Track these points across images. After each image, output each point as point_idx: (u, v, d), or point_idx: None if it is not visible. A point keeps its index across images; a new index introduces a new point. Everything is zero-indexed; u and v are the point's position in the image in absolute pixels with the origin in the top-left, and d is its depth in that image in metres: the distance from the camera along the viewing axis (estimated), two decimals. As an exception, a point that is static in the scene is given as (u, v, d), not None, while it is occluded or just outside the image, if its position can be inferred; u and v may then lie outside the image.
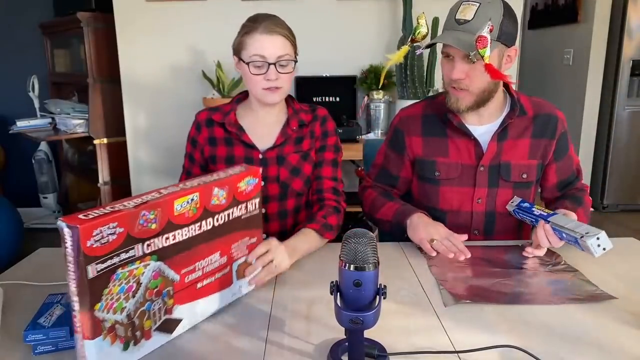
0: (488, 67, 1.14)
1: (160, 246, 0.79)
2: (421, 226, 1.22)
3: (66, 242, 0.67)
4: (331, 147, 1.37)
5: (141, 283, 0.77)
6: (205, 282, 0.89)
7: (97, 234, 0.68)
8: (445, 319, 0.89)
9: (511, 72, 2.93)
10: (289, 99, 1.37)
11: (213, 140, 1.33)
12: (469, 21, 1.15)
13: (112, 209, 0.72)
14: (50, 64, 3.40)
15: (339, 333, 0.80)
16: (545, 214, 1.16)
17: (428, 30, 1.25)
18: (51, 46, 3.37)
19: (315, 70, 2.72)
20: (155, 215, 0.77)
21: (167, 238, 0.80)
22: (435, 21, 2.61)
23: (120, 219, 0.71)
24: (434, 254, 1.17)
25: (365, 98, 2.76)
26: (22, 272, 1.10)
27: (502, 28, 1.16)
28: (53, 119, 3.08)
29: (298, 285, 1.03)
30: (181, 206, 0.81)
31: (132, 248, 0.74)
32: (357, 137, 2.58)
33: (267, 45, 1.21)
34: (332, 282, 0.73)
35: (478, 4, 1.15)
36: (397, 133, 1.39)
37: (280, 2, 2.73)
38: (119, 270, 0.73)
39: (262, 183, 1.29)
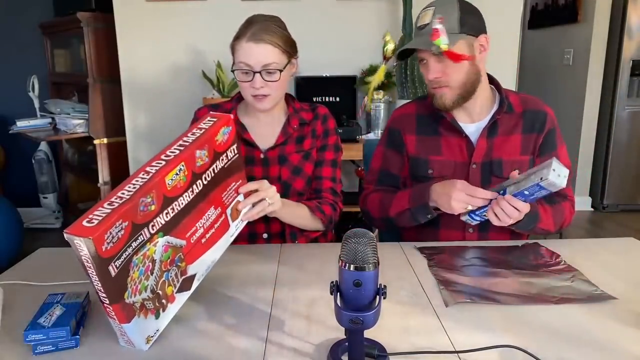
0: (447, 54, 1.19)
1: (163, 222, 0.81)
2: (442, 197, 1.17)
3: (81, 252, 0.69)
4: (331, 147, 1.37)
5: (155, 260, 0.80)
6: (207, 235, 0.93)
7: (108, 237, 0.70)
8: (445, 319, 0.89)
9: (511, 72, 2.94)
10: (289, 98, 1.37)
11: None
12: (427, 24, 1.21)
13: (110, 206, 0.73)
14: (50, 64, 3.40)
15: (339, 333, 0.80)
16: (496, 195, 1.13)
17: (395, 45, 1.29)
18: (51, 46, 3.37)
19: (315, 70, 2.72)
20: (152, 198, 0.79)
21: (167, 213, 0.82)
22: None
23: (123, 215, 0.73)
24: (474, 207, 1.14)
25: (365, 98, 2.76)
26: (22, 272, 1.10)
27: (462, 20, 1.21)
28: (53, 119, 3.08)
29: (298, 285, 1.03)
30: (172, 180, 0.83)
31: (140, 234, 0.77)
32: (357, 137, 2.58)
33: (252, 53, 1.19)
34: (332, 282, 0.72)
35: (433, 8, 1.22)
36: (394, 132, 1.39)
37: (280, 2, 2.73)
38: (134, 258, 0.76)
39: None
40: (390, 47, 1.27)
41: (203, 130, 0.93)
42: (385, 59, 1.28)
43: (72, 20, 2.85)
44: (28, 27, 3.38)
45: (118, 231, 0.72)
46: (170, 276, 0.84)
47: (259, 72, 1.20)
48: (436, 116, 1.33)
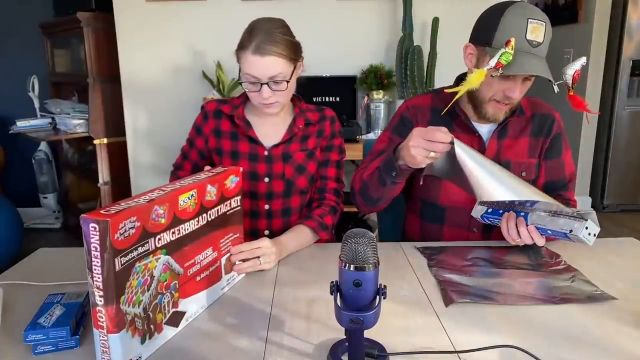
0: (573, 98, 1.12)
1: (169, 240, 0.82)
2: (404, 149, 1.11)
3: (91, 238, 0.69)
4: (337, 148, 1.38)
5: (154, 276, 0.79)
6: (202, 275, 0.93)
7: (122, 228, 0.71)
8: (445, 319, 0.89)
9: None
10: (296, 99, 1.38)
11: (218, 133, 1.34)
12: (541, 43, 1.11)
13: (127, 205, 0.74)
14: (50, 64, 3.40)
15: (339, 333, 0.80)
16: (519, 211, 1.13)
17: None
18: (51, 46, 3.37)
19: (315, 70, 2.72)
20: (164, 210, 0.80)
21: (173, 232, 0.83)
22: (435, 21, 2.61)
23: (137, 214, 0.74)
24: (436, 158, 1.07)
25: (365, 98, 2.76)
26: (22, 272, 1.10)
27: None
28: (53, 119, 3.08)
29: (298, 285, 1.03)
30: (184, 202, 0.85)
31: (147, 242, 0.77)
32: (357, 137, 2.58)
33: (258, 66, 1.18)
34: (332, 282, 0.73)
35: (544, 24, 1.11)
36: (405, 120, 1.36)
37: (280, 1, 2.73)
38: (137, 264, 0.75)
39: (267, 180, 1.31)
40: (511, 58, 1.12)
41: (215, 172, 0.98)
42: (499, 67, 1.12)
43: (72, 20, 2.85)
44: (28, 27, 3.38)
45: (130, 227, 0.73)
46: (163, 302, 0.82)
47: (266, 83, 1.19)
48: (451, 113, 1.30)
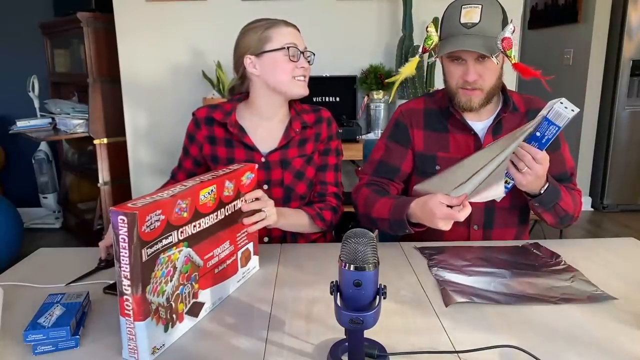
0: (518, 67, 1.16)
1: (190, 233, 0.85)
2: (420, 214, 1.14)
3: (120, 230, 0.71)
4: (334, 152, 1.38)
5: (177, 268, 0.82)
6: (220, 267, 0.95)
7: (148, 220, 0.74)
8: (445, 319, 0.89)
9: (511, 72, 2.94)
10: (291, 100, 1.37)
11: (213, 140, 1.33)
12: (477, 24, 1.17)
13: (152, 199, 0.77)
14: (50, 64, 3.40)
15: (339, 333, 0.80)
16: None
17: (438, 39, 1.24)
18: (51, 46, 3.37)
19: (315, 70, 2.71)
20: (187, 204, 0.83)
21: (194, 226, 0.86)
22: (435, 21, 2.60)
23: (163, 207, 0.77)
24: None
25: (365, 98, 2.76)
26: (22, 272, 1.10)
27: (503, 24, 1.19)
28: (53, 119, 3.08)
29: (298, 285, 1.03)
30: (204, 196, 0.88)
31: (170, 235, 0.79)
32: (357, 137, 2.58)
33: (295, 35, 1.27)
34: (332, 282, 0.73)
35: (480, 6, 1.17)
36: (400, 126, 1.37)
37: (280, 2, 2.73)
38: (161, 256, 0.78)
39: (266, 187, 1.30)
40: (436, 39, 1.23)
41: (231, 169, 1.01)
42: (425, 51, 1.24)
43: (72, 20, 2.85)
44: (28, 27, 3.38)
45: (156, 220, 0.75)
46: (184, 293, 0.85)
47: (302, 53, 1.27)
48: (445, 113, 1.32)
